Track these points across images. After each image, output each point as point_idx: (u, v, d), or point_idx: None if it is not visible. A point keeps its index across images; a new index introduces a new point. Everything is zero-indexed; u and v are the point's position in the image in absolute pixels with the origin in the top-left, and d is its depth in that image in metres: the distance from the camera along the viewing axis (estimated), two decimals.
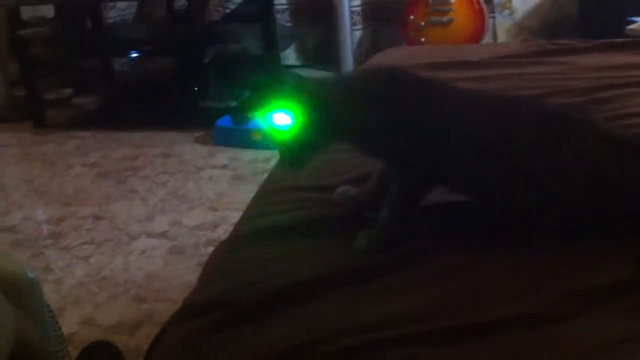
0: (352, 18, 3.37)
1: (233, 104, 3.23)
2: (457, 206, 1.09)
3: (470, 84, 1.66)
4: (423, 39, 3.34)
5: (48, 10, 3.60)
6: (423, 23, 3.35)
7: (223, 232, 2.27)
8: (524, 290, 0.87)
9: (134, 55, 3.48)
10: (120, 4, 3.70)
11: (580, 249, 0.96)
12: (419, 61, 1.95)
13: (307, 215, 1.14)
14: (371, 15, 3.68)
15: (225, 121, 3.10)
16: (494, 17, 3.55)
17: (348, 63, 3.23)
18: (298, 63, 3.81)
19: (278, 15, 3.46)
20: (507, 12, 3.55)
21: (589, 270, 0.90)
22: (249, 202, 1.34)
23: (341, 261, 1.00)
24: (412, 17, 3.36)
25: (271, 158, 2.81)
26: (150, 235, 2.31)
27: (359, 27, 3.65)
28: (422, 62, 1.91)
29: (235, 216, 2.34)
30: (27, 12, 3.45)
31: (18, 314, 1.01)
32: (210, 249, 2.15)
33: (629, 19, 2.76)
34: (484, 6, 3.35)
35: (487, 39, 3.44)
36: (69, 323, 1.77)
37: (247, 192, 2.54)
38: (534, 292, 0.87)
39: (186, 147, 3.02)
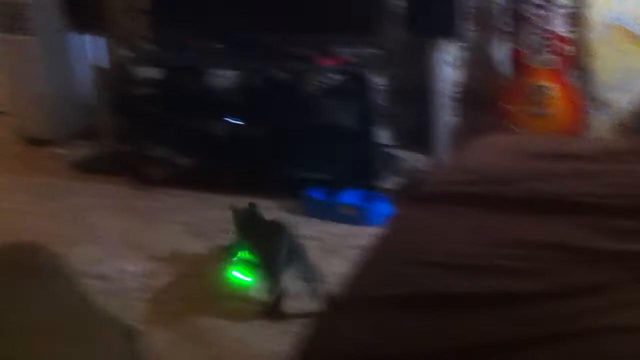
0: (448, 103, 3.40)
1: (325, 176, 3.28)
2: None
3: (577, 178, 1.64)
4: (519, 129, 3.33)
5: (158, 73, 3.79)
6: (520, 113, 3.34)
7: (310, 304, 2.27)
8: None
9: (233, 120, 3.59)
10: (226, 72, 3.86)
11: None
12: (522, 150, 1.94)
13: (411, 288, 1.14)
14: (467, 100, 3.70)
15: (316, 193, 3.14)
16: (593, 113, 3.50)
17: (442, 147, 3.24)
18: (390, 143, 3.85)
19: (375, 94, 3.53)
20: (607, 109, 3.51)
21: None
22: (348, 273, 1.34)
23: (442, 337, 0.99)
24: (509, 105, 3.37)
25: (361, 234, 2.82)
26: (236, 297, 2.33)
27: (454, 112, 3.68)
28: (526, 152, 1.90)
29: (321, 287, 2.35)
30: (139, 72, 3.65)
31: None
32: (296, 318, 2.17)
33: None
34: (584, 101, 3.33)
35: (584, 134, 3.40)
36: None
37: (335, 266, 2.55)
38: None
39: (276, 215, 3.06)
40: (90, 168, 3.69)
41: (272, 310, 2.22)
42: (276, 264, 2.22)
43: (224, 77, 3.85)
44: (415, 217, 1.47)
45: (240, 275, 2.45)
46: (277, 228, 2.34)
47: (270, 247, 2.26)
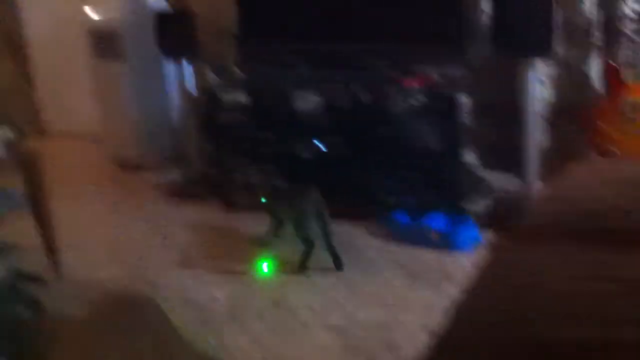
0: (539, 122, 3.30)
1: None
2: None
3: None
4: (614, 149, 3.19)
5: (245, 97, 3.85)
6: (616, 132, 3.20)
7: (397, 334, 2.24)
8: None
9: (319, 143, 3.60)
10: (312, 95, 3.87)
11: None
12: (620, 177, 1.85)
13: (510, 334, 1.09)
14: (559, 120, 3.58)
15: (401, 216, 3.10)
16: None
17: (533, 169, 3.13)
18: (478, 164, 3.77)
19: (462, 115, 3.46)
20: None
21: None
22: (449, 308, 1.30)
23: None
24: (603, 124, 3.24)
25: (447, 259, 2.76)
26: (324, 326, 2.32)
27: (546, 132, 3.56)
28: (624, 179, 1.82)
29: (408, 318, 2.32)
30: (226, 97, 3.71)
31: None
32: (384, 350, 2.13)
33: None
34: None
35: None
36: None
37: (420, 292, 2.51)
38: None
39: (362, 239, 3.04)
40: (180, 192, 3.77)
41: (302, 265, 2.69)
42: (306, 224, 2.69)
43: (310, 100, 3.88)
44: (512, 253, 1.42)
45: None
46: (303, 190, 2.80)
47: (300, 208, 2.73)
